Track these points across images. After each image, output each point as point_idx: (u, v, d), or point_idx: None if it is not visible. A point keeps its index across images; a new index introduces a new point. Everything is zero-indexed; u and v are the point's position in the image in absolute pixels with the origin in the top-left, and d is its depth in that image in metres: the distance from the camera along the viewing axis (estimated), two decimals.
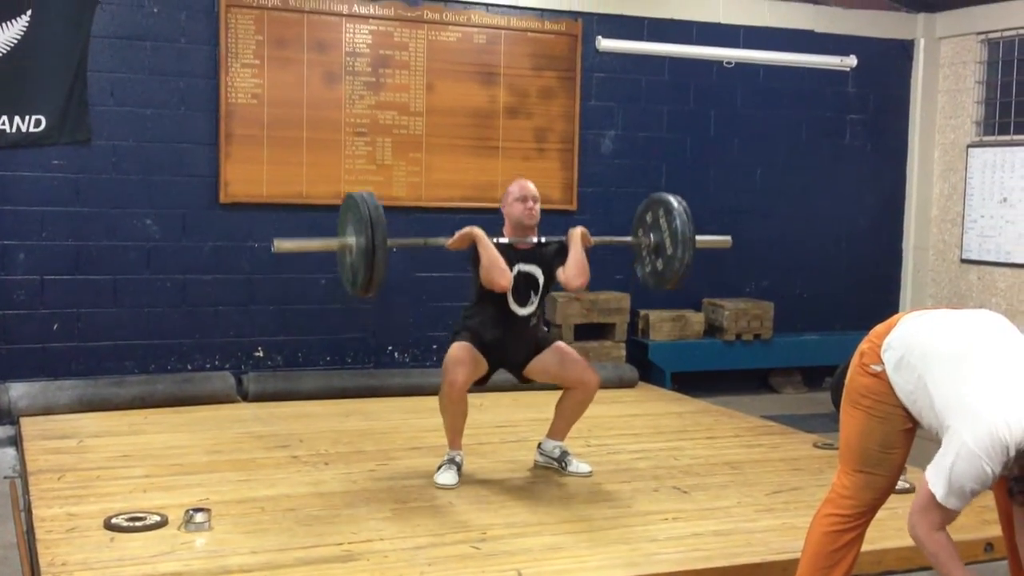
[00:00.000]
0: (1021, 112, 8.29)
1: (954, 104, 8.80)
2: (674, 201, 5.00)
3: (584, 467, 5.06)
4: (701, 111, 8.25)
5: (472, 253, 4.84)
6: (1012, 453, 2.84)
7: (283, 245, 4.95)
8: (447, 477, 4.84)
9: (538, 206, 4.93)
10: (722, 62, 8.21)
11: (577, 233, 4.91)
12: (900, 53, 8.87)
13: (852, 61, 8.55)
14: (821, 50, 8.50)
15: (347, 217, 4.67)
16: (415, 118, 7.44)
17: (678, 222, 4.94)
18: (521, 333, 4.94)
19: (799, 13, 8.52)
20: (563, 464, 5.08)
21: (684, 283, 5.11)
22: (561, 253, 4.89)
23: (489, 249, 4.74)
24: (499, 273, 4.72)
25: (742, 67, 8.29)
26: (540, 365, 5.00)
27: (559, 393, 5.16)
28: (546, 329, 5.13)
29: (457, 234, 4.85)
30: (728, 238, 5.56)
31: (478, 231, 4.81)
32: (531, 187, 4.94)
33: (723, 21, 8.25)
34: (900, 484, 4.85)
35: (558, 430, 5.14)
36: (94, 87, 6.69)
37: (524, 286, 4.87)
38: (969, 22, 8.59)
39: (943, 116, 8.90)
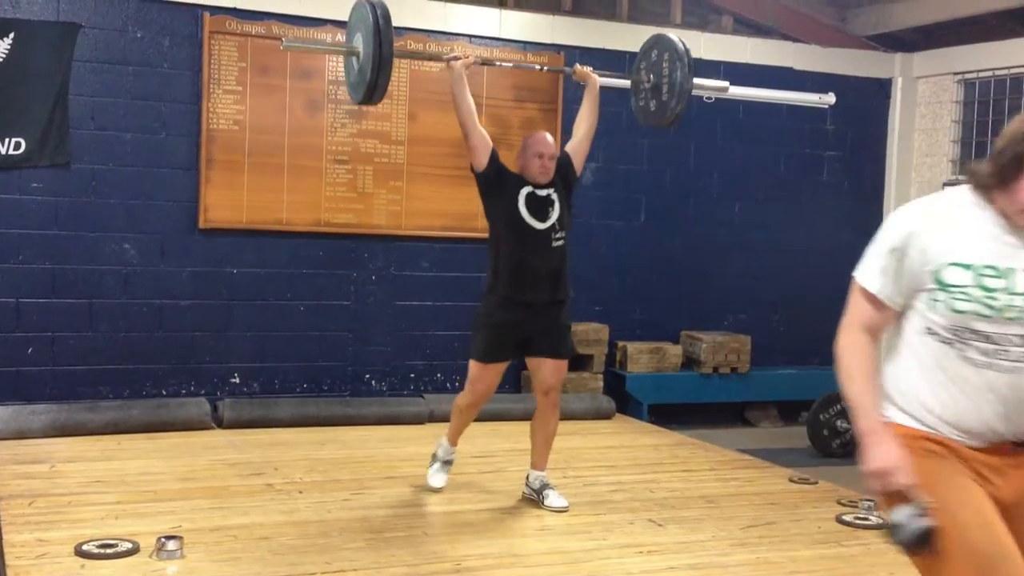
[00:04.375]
0: None
1: (931, 142, 8.89)
2: (680, 47, 5.00)
3: (560, 502, 5.04)
4: (681, 145, 8.31)
5: (483, 185, 4.99)
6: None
7: (292, 44, 5.16)
8: (439, 480, 5.13)
9: (553, 162, 4.94)
10: (702, 97, 8.27)
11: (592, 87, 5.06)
12: (878, 91, 8.98)
13: (830, 99, 8.59)
14: (800, 87, 8.54)
15: (356, 24, 4.72)
16: (397, 147, 7.46)
17: (679, 74, 4.96)
18: (546, 255, 4.86)
19: (779, 50, 8.62)
20: (540, 497, 5.08)
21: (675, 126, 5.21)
22: (565, 161, 5.00)
23: (463, 90, 4.85)
24: (465, 109, 4.85)
25: (722, 102, 8.32)
26: (538, 362, 5.00)
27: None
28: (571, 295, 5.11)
29: (459, 63, 4.90)
30: (726, 84, 5.58)
31: (459, 70, 4.86)
32: (550, 142, 4.95)
33: (704, 57, 8.31)
34: (873, 520, 4.91)
35: (536, 459, 5.17)
36: (75, 111, 6.68)
37: (540, 203, 4.87)
38: (946, 62, 8.70)
39: (920, 154, 8.99)
